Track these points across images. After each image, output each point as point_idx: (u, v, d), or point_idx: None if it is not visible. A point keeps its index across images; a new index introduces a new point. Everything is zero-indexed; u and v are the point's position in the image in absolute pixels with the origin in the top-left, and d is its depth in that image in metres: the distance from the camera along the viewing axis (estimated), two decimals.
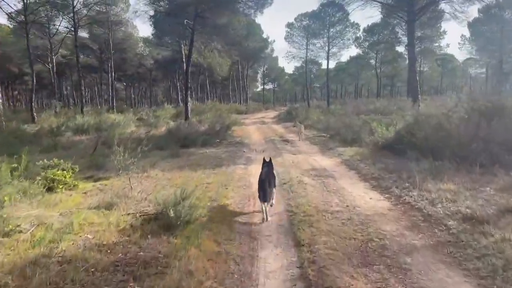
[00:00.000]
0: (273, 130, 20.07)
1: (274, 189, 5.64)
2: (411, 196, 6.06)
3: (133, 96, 71.38)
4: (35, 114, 22.02)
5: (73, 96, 61.15)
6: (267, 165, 5.90)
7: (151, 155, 10.66)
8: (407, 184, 6.69)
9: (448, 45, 57.53)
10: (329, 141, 13.70)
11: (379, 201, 6.01)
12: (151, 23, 22.39)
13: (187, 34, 19.43)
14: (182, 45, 23.35)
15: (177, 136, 12.64)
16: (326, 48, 31.29)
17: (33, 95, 22.79)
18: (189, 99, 25.07)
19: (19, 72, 47.57)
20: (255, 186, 6.82)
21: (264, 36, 47.23)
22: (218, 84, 77.16)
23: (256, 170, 7.92)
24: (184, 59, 20.08)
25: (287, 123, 24.01)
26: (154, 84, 69.78)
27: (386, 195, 6.33)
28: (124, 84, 67.69)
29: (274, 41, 58.02)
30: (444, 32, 36.82)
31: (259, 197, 5.26)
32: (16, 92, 66.60)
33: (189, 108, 19.03)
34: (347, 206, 5.75)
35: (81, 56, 43.81)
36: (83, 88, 28.10)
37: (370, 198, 6.19)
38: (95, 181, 7.67)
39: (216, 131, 15.58)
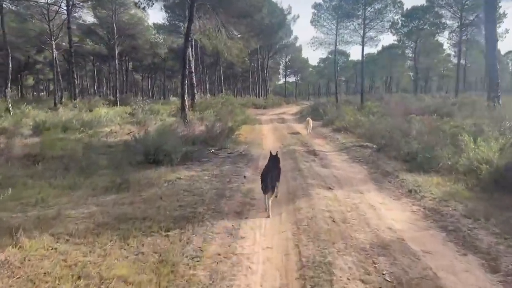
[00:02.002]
0: (295, 132, 15.27)
1: (278, 183, 5.36)
2: None
3: (149, 87, 67.95)
4: (10, 106, 18.14)
5: (94, 87, 58.21)
6: (273, 160, 5.47)
7: (86, 184, 6.20)
8: None
9: (507, 31, 42.07)
10: (380, 157, 8.78)
11: None
12: None
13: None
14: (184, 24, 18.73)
15: (144, 146, 8.06)
16: (361, 31, 25.71)
17: (9, 83, 18.93)
18: (195, 91, 20.65)
19: (29, 60, 44.58)
20: None
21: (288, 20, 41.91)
22: (238, 77, 72.62)
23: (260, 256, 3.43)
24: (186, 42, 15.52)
25: (315, 122, 19.08)
26: (172, 76, 65.99)
27: None
28: (141, 75, 64.15)
29: (298, 16, 51.02)
30: (504, 14, 30.22)
31: (262, 188, 4.87)
32: (34, 81, 64.46)
33: (186, 103, 14.53)
34: None
35: (90, 43, 40.32)
36: (75, 76, 24.15)
37: None
38: None
39: (215, 135, 10.98)
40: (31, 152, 8.31)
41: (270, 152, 5.64)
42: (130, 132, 13.22)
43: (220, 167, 7.76)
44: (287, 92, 64.26)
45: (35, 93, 70.37)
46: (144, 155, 7.95)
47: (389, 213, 4.92)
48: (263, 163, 8.53)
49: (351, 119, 14.22)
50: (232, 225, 4.46)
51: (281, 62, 59.17)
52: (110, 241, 3.89)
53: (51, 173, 6.64)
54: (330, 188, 6.14)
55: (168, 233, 4.15)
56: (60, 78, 36.26)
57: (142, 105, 17.02)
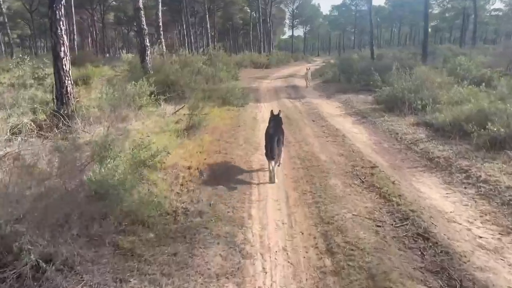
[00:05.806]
0: (329, 127, 6.42)
1: (282, 147, 4.53)
2: None
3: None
4: None
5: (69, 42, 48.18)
6: (275, 119, 4.68)
7: None
8: None
9: None
10: None
11: None
12: None
13: None
14: None
15: None
16: None
17: None
18: (147, 44, 11.55)
19: None
20: None
21: None
22: (239, 31, 61.34)
23: None
24: None
25: (356, 96, 10.05)
26: (167, 30, 55.18)
27: None
28: (124, 28, 53.25)
29: None
30: None
31: (266, 154, 4.31)
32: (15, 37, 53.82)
33: (67, 66, 5.70)
34: None
35: None
36: None
37: None
38: None
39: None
40: None
41: (271, 111, 4.77)
42: None
43: None
44: (293, 47, 53.46)
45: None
46: None
47: None
48: None
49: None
50: None
51: (286, 11, 47.95)
52: None
53: None
54: None
55: None
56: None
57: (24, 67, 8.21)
